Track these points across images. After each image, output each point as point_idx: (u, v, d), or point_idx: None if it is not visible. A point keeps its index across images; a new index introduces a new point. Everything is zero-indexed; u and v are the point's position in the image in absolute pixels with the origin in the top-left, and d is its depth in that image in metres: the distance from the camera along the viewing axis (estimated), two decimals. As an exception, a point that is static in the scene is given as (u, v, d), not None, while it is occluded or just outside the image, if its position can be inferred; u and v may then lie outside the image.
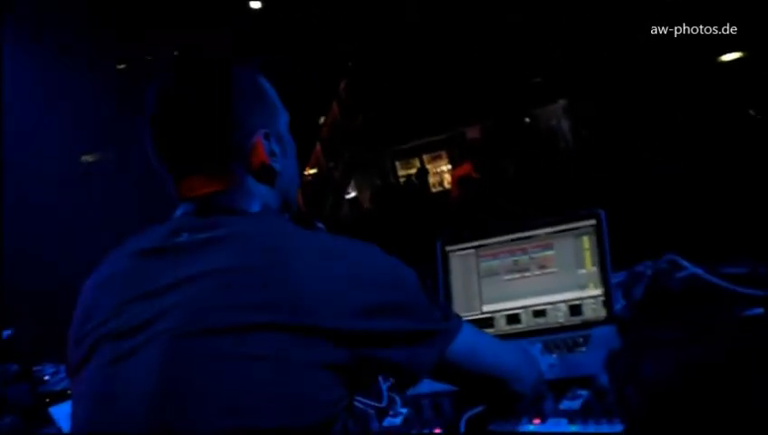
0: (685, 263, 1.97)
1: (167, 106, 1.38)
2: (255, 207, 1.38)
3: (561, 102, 16.64)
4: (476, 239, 2.15)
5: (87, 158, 11.30)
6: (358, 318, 1.23)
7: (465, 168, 13.12)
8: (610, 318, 1.94)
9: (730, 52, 9.91)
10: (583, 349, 1.82)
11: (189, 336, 1.20)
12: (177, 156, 1.38)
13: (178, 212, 1.39)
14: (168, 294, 1.25)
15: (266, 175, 1.42)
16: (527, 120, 17.69)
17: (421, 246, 2.33)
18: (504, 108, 16.33)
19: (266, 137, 1.40)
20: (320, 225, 1.49)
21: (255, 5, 15.00)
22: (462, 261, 2.15)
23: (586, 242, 2.02)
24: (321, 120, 18.17)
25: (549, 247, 2.06)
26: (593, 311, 1.97)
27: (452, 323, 1.38)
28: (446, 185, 16.48)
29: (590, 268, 2.00)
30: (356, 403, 1.81)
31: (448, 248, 2.17)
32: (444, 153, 18.07)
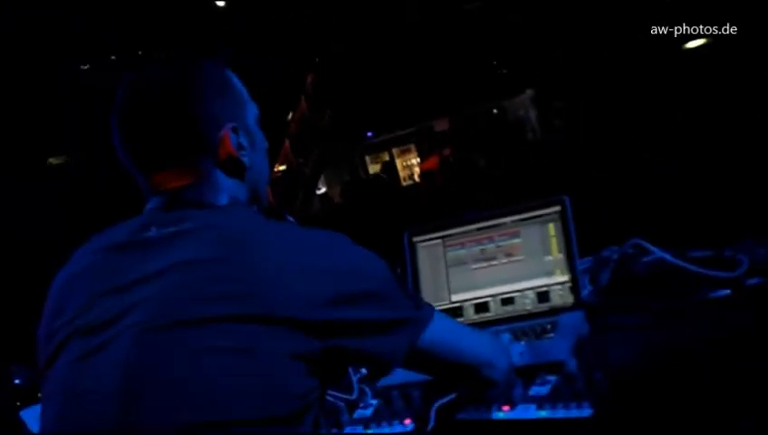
0: (651, 247, 1.98)
1: (135, 101, 1.38)
2: (223, 201, 1.38)
3: (529, 93, 16.71)
4: (443, 229, 2.15)
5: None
6: (328, 308, 1.23)
7: (432, 161, 13.19)
8: (578, 304, 1.94)
9: (694, 40, 10.01)
10: (552, 335, 1.83)
11: (158, 330, 1.19)
12: (146, 151, 1.38)
13: (147, 207, 1.38)
14: (137, 289, 1.24)
15: (235, 168, 1.41)
16: (495, 111, 17.76)
17: (391, 239, 2.33)
18: (472, 100, 16.38)
19: (234, 130, 1.40)
20: (290, 218, 1.48)
21: (220, 4, 14.93)
22: (429, 251, 2.15)
23: (552, 229, 2.03)
24: (290, 116, 18.11)
25: (515, 235, 2.07)
26: (561, 297, 1.98)
27: (423, 311, 1.38)
28: (417, 178, 16.51)
29: (556, 255, 2.01)
30: (326, 396, 1.80)
31: (415, 239, 2.17)
32: (413, 146, 18.10)
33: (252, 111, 1.48)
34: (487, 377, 1.50)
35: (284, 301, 1.20)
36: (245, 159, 1.42)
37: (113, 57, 11.28)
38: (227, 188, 1.40)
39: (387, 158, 18.24)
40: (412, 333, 1.34)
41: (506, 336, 1.78)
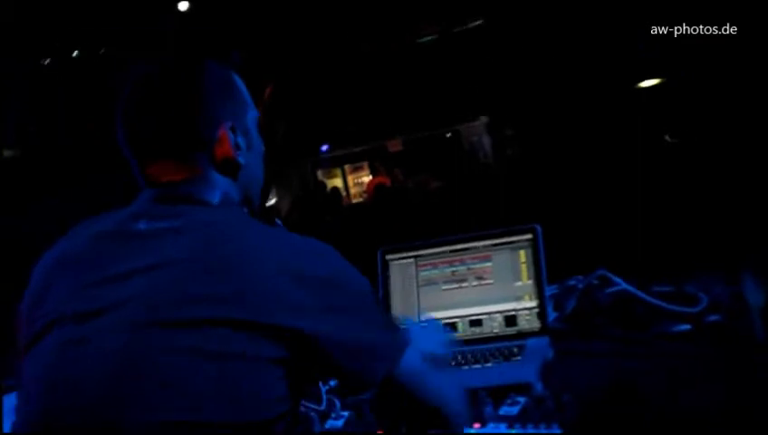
0: (615, 279, 2.07)
1: (142, 92, 1.41)
2: (216, 199, 1.40)
3: (483, 119, 16.90)
4: (416, 250, 2.21)
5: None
6: (311, 317, 1.25)
7: (384, 178, 13.25)
8: (544, 329, 2.01)
9: (648, 78, 10.23)
10: (519, 358, 1.89)
11: (141, 328, 1.22)
12: (145, 141, 1.40)
13: (140, 198, 1.40)
14: (125, 283, 1.26)
15: (230, 167, 1.43)
16: (448, 135, 17.90)
17: (355, 254, 2.37)
18: (426, 123, 16.50)
19: (233, 130, 1.43)
20: (278, 222, 1.51)
21: (183, 6, 14.82)
22: (402, 270, 2.20)
23: (523, 256, 2.10)
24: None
25: (487, 259, 2.13)
26: (528, 322, 2.04)
27: (402, 338, 1.40)
28: (365, 195, 16.55)
29: (525, 281, 2.08)
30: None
31: (389, 257, 2.22)
32: (365, 164, 18.14)
33: (252, 114, 1.51)
34: (451, 419, 1.48)
35: (267, 307, 1.23)
36: (241, 160, 1.44)
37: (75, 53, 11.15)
38: (221, 187, 1.42)
39: (339, 173, 18.26)
40: (391, 360, 1.35)
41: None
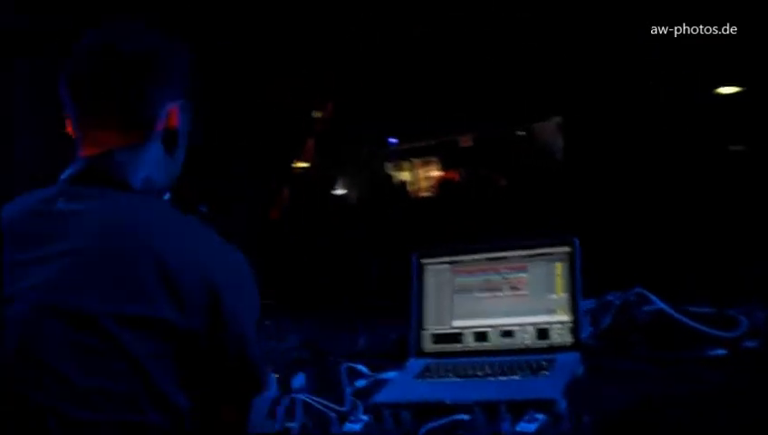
0: (653, 297, 2.01)
1: (100, 56, 1.43)
2: (138, 181, 1.41)
3: (557, 119, 16.72)
4: (452, 255, 2.18)
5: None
6: (195, 316, 1.27)
7: (450, 173, 13.19)
8: (576, 345, 1.97)
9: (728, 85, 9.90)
10: (546, 373, 1.86)
11: (43, 317, 1.24)
12: (95, 107, 1.42)
13: (65, 172, 1.42)
14: (38, 268, 1.28)
15: (172, 143, 1.48)
16: (521, 133, 17.75)
17: (400, 250, 2.35)
18: (499, 119, 16.37)
19: (183, 109, 1.48)
20: (203, 208, 1.52)
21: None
22: (437, 275, 2.18)
23: (559, 268, 2.06)
24: (316, 114, 18.17)
25: (522, 270, 2.10)
26: (560, 336, 2.00)
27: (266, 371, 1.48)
28: (434, 190, 16.53)
29: (560, 294, 2.04)
30: (317, 405, 1.84)
31: (424, 261, 2.20)
32: (435, 159, 18.16)
33: (190, 102, 1.54)
34: None
35: (164, 303, 1.25)
36: (180, 139, 1.49)
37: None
38: (149, 165, 1.43)
39: (408, 166, 18.31)
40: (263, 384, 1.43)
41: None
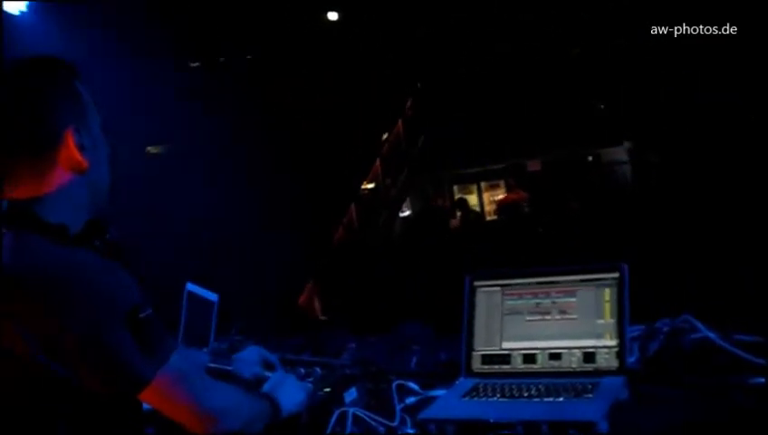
0: (699, 325, 2.04)
1: None
2: (55, 214, 1.54)
3: (627, 145, 16.53)
4: (503, 278, 2.24)
5: (151, 149, 11.65)
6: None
7: (514, 195, 13.17)
8: (621, 369, 2.01)
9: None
10: (590, 396, 1.90)
11: None
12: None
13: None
14: None
15: (75, 165, 1.58)
16: (590, 158, 17.61)
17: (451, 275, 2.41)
18: (568, 144, 16.29)
19: (77, 130, 1.58)
20: (96, 243, 1.60)
21: (333, 17, 15.26)
22: (488, 297, 2.24)
23: (607, 294, 2.10)
24: (384, 136, 18.32)
25: (571, 294, 2.14)
26: (606, 360, 2.04)
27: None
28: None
29: (608, 319, 2.08)
30: (368, 419, 1.92)
31: (476, 284, 2.27)
32: (502, 182, 18.10)
33: (96, 118, 1.66)
34: None
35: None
36: (87, 157, 1.60)
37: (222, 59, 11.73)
38: (64, 191, 1.57)
39: (474, 190, 18.28)
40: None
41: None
